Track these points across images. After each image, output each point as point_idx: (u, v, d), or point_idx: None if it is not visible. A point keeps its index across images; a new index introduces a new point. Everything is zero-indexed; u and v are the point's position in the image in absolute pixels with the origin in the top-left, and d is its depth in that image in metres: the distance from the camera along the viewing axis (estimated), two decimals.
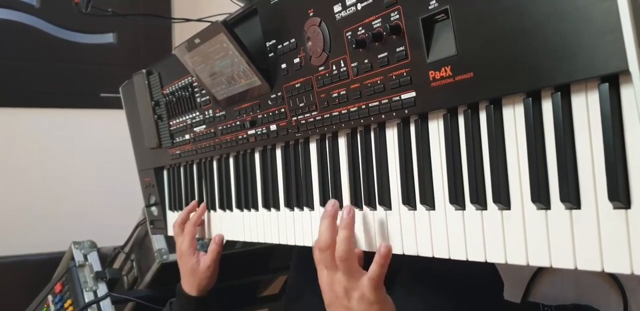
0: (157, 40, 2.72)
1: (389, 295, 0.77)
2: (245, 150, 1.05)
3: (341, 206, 0.84)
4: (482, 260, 0.65)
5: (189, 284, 1.16)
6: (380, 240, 0.77)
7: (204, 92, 1.11)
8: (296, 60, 0.86)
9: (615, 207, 0.52)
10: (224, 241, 1.15)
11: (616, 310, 1.13)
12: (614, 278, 1.15)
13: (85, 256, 1.66)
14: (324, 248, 0.77)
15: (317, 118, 0.85)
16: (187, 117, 1.18)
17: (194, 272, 1.15)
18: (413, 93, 0.69)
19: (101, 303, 1.52)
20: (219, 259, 1.16)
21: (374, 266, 0.74)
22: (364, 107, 0.76)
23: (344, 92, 0.79)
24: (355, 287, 0.74)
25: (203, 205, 1.19)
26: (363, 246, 0.81)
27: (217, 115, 1.09)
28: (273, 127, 0.94)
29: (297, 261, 1.20)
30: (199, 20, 1.27)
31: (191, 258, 1.15)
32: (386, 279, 0.76)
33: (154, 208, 1.40)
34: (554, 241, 0.57)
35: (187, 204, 1.25)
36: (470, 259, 0.66)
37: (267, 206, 1.00)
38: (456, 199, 0.67)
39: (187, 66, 1.05)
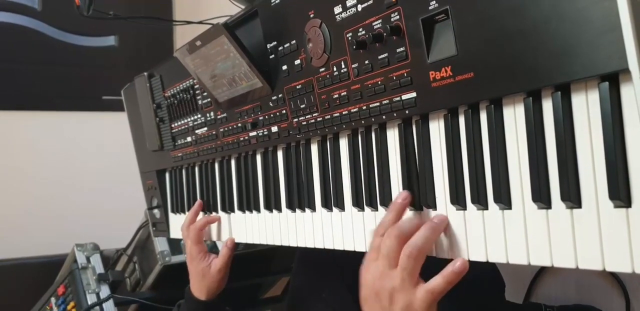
0: (158, 43, 2.73)
1: None
2: (246, 151, 1.06)
3: (344, 208, 0.84)
4: (483, 259, 0.65)
5: (199, 288, 1.14)
6: None
7: (205, 94, 1.11)
8: (297, 62, 0.86)
9: (616, 206, 0.52)
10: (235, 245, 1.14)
11: None
12: (616, 278, 1.14)
13: (87, 259, 1.66)
14: (395, 236, 0.67)
15: (318, 119, 0.85)
16: (189, 120, 1.19)
17: (205, 276, 1.13)
18: (414, 94, 0.69)
19: (104, 305, 1.53)
20: (230, 262, 1.14)
21: (439, 280, 0.64)
22: (364, 107, 0.76)
23: (345, 93, 0.79)
24: (405, 292, 0.65)
25: (216, 215, 1.17)
26: (358, 247, 0.81)
27: (219, 117, 1.09)
28: (274, 129, 0.95)
29: (299, 262, 1.20)
30: (200, 22, 1.27)
31: (202, 262, 1.13)
32: None
33: (156, 211, 1.40)
34: (555, 241, 0.57)
35: (189, 207, 1.25)
36: (471, 259, 0.66)
37: (268, 207, 1.00)
38: (457, 199, 0.67)
39: (189, 68, 1.05)
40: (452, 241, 0.68)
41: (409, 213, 0.73)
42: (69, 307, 1.55)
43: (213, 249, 1.45)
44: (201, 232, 1.16)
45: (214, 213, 1.18)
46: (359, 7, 0.74)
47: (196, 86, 1.14)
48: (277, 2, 0.88)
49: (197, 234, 1.15)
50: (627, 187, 0.51)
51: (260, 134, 0.98)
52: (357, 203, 0.81)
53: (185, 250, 1.21)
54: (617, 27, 0.48)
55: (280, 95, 0.91)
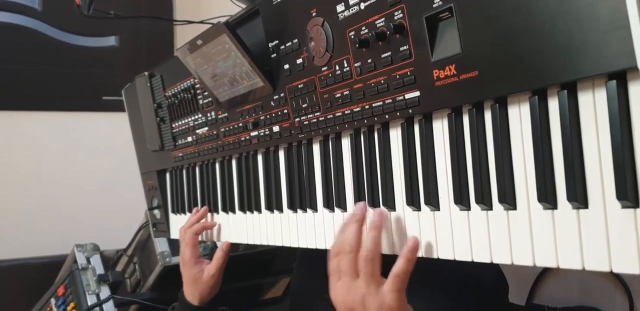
0: (159, 43, 2.72)
1: None
2: (248, 151, 1.05)
3: (346, 208, 0.83)
4: (487, 261, 0.64)
5: (191, 292, 1.14)
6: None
7: (206, 93, 1.10)
8: (299, 61, 0.86)
9: (623, 206, 0.51)
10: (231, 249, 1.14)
11: None
12: (619, 279, 1.14)
13: (88, 259, 1.66)
14: (348, 251, 0.72)
15: (320, 119, 0.84)
16: (190, 119, 1.18)
17: (196, 282, 1.13)
18: (417, 93, 0.69)
19: (104, 306, 1.52)
20: (224, 267, 1.14)
21: (401, 261, 0.68)
22: (367, 107, 0.76)
23: (347, 92, 0.78)
24: (373, 293, 0.69)
25: (212, 223, 1.17)
26: None
27: (220, 116, 1.08)
28: (276, 128, 0.94)
29: (300, 263, 1.20)
30: (201, 22, 1.26)
31: (193, 268, 1.13)
32: None
33: (156, 211, 1.39)
34: (561, 242, 0.56)
35: (189, 207, 1.25)
36: (475, 260, 0.65)
37: (270, 208, 1.00)
38: (461, 199, 0.66)
39: (190, 68, 1.05)
40: (455, 242, 0.67)
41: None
42: (69, 308, 1.55)
43: (214, 249, 1.44)
44: (196, 236, 1.16)
45: (215, 217, 1.17)
46: (362, 5, 0.73)
47: (197, 86, 1.13)
48: (278, 0, 0.88)
49: (192, 238, 1.15)
50: (635, 187, 0.50)
51: (261, 134, 0.98)
52: None
53: None
54: (625, 24, 0.48)
55: (281, 95, 0.91)
